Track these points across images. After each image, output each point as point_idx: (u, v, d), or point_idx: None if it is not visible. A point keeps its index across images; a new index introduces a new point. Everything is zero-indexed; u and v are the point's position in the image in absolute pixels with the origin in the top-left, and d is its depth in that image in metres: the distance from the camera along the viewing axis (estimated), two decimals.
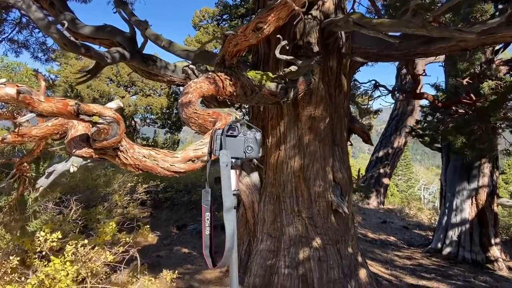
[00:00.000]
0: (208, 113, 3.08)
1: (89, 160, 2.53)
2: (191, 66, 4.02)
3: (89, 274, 4.40)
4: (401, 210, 17.96)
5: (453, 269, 9.73)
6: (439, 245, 11.06)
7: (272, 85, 4.99)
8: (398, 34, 7.55)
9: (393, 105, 17.84)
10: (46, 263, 4.08)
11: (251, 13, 14.99)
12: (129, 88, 25.30)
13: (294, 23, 5.95)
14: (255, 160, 1.97)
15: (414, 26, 4.96)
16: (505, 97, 7.44)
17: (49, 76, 22.00)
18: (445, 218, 11.17)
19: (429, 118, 11.26)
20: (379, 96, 10.93)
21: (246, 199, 6.60)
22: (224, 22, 19.25)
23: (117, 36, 5.10)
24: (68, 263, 3.99)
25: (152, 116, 24.83)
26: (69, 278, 3.98)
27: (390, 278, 8.47)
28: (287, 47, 5.52)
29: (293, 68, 5.27)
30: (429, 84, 8.89)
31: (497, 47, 10.11)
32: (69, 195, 7.80)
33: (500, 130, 7.99)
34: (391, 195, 27.40)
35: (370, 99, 11.46)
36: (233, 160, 1.85)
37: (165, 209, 11.23)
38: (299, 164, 6.06)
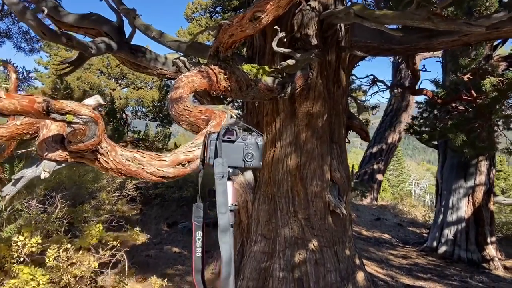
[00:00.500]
0: (201, 111, 2.79)
1: (63, 164, 2.23)
2: (182, 58, 3.71)
3: (72, 280, 4.10)
4: (395, 207, 17.82)
5: (449, 268, 9.57)
6: (435, 244, 10.90)
7: (268, 80, 4.70)
8: (397, 27, 7.29)
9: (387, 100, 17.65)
10: (23, 268, 3.77)
11: (244, 6, 14.66)
12: (120, 81, 24.86)
13: (292, 14, 5.66)
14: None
15: (420, 18, 4.70)
16: (506, 94, 7.22)
17: (37, 67, 21.47)
18: (441, 216, 11.01)
19: (425, 114, 11.05)
20: (376, 92, 10.68)
21: (239, 199, 6.32)
22: (217, 15, 18.90)
23: (104, 25, 4.76)
24: (38, 272, 3.68)
25: (143, 109, 24.42)
26: None
27: (386, 279, 8.27)
28: (285, 40, 5.23)
29: (290, 61, 4.98)
30: (428, 80, 8.66)
31: (495, 43, 9.92)
32: (54, 192, 7.46)
33: (500, 128, 7.78)
34: (382, 190, 27.33)
35: (363, 94, 11.22)
36: (230, 170, 1.57)
37: (155, 206, 10.92)
38: (295, 163, 5.79)
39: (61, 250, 4.13)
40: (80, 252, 4.43)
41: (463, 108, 7.98)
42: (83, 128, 2.01)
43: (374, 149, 17.94)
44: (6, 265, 4.36)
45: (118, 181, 9.98)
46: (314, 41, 5.63)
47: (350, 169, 12.93)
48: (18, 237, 4.04)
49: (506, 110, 7.35)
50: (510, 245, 11.99)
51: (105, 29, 4.76)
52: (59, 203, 7.08)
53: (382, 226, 13.51)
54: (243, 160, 1.58)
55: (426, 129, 9.40)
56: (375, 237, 12.07)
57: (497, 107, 7.12)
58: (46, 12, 3.77)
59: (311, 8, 5.68)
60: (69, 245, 4.35)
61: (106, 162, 2.29)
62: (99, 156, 2.26)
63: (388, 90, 14.27)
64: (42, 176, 2.13)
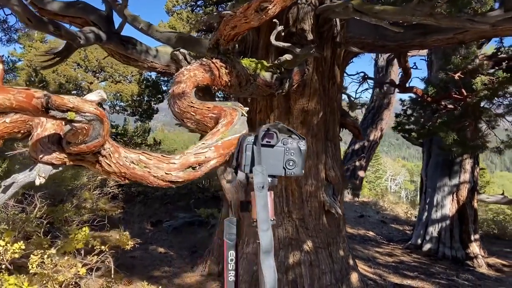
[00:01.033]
0: (208, 108, 2.56)
1: (60, 168, 1.97)
2: (182, 50, 3.47)
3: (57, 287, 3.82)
4: (376, 203, 17.92)
5: (434, 266, 9.61)
6: (419, 241, 10.95)
7: (267, 75, 4.50)
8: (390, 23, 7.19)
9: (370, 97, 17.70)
10: (8, 279, 3.46)
11: (226, 0, 14.39)
12: (97, 74, 24.17)
13: (287, 7, 5.45)
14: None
15: (421, 14, 4.57)
16: (497, 92, 7.22)
17: (9, 59, 20.63)
18: (425, 214, 11.05)
19: (409, 111, 11.07)
20: (366, 89, 10.64)
21: (231, 198, 6.10)
22: (198, 8, 18.55)
23: (91, 14, 4.44)
24: (25, 284, 3.38)
25: (122, 103, 23.82)
26: None
27: (375, 278, 8.22)
28: (282, 34, 5.03)
29: (288, 56, 4.79)
30: (418, 77, 8.63)
31: (480, 42, 9.97)
32: (32, 190, 7.07)
33: (489, 127, 7.80)
34: None
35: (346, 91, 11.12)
36: (270, 179, 1.37)
37: (138, 204, 10.57)
38: None
39: (45, 256, 3.84)
40: (66, 258, 4.14)
41: (452, 106, 7.97)
42: (86, 127, 1.76)
43: (356, 146, 17.95)
44: None
45: (99, 178, 9.61)
46: (310, 36, 5.46)
47: None
48: None
49: (496, 109, 7.35)
50: (491, 242, 12.19)
51: (93, 18, 4.44)
52: (38, 202, 6.71)
53: (366, 223, 13.53)
54: (284, 168, 1.38)
55: (413, 127, 9.38)
56: (360, 235, 12.06)
57: (488, 106, 7.11)
58: None
59: (307, 1, 5.50)
60: (54, 250, 4.05)
61: (109, 165, 2.05)
62: (101, 158, 2.01)
63: (373, 87, 14.29)
64: (37, 182, 1.86)
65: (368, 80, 9.69)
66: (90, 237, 4.68)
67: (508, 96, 7.20)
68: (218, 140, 2.29)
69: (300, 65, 5.15)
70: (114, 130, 22.60)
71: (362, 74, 9.29)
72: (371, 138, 17.78)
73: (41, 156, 1.90)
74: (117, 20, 4.90)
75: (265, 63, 4.49)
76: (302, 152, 1.37)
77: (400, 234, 12.89)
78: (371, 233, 12.48)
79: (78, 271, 4.00)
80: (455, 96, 7.67)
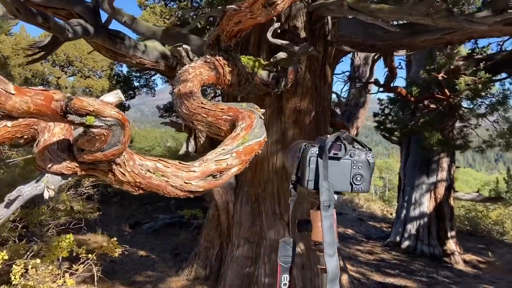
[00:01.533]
0: (222, 109, 2.37)
1: (69, 178, 1.75)
2: (185, 46, 3.26)
3: None
4: (352, 200, 18.09)
5: (414, 263, 9.73)
6: (398, 239, 11.07)
7: (264, 74, 4.33)
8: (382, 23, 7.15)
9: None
10: None
11: None
12: (66, 68, 23.31)
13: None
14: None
15: (418, 14, 4.52)
16: (478, 93, 7.33)
17: None
18: (404, 211, 11.19)
19: (387, 111, 11.17)
20: (352, 88, 10.64)
21: (219, 199, 5.92)
22: (172, 3, 18.13)
23: (76, 5, 4.14)
24: None
25: None
26: None
27: (358, 276, 8.23)
28: (279, 31, 4.89)
29: (283, 54, 4.65)
30: (402, 77, 8.68)
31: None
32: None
33: (472, 127, 7.93)
34: None
35: None
36: (336, 196, 1.22)
37: (115, 205, 10.18)
38: (281, 162, 5.48)
39: (29, 266, 3.54)
40: (50, 267, 3.85)
41: (435, 106, 8.05)
42: (106, 133, 1.56)
43: None
44: None
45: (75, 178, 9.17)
46: (303, 34, 5.33)
47: None
48: None
49: (477, 109, 7.47)
50: (465, 239, 12.48)
51: (78, 10, 4.14)
52: None
53: (344, 221, 13.60)
54: (351, 183, 1.22)
55: (395, 126, 9.44)
56: (340, 233, 12.10)
57: (470, 106, 7.21)
58: None
59: None
60: (38, 260, 3.75)
61: (123, 174, 1.84)
62: (114, 167, 1.80)
63: (349, 86, 14.33)
64: (46, 196, 1.64)
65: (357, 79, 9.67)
66: (74, 244, 4.38)
67: (490, 96, 7.32)
68: (239, 145, 2.12)
69: (294, 63, 5.02)
70: None
71: (347, 74, 9.28)
72: None
73: (49, 165, 1.68)
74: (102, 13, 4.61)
75: (262, 61, 4.32)
76: (371, 165, 1.22)
77: (378, 232, 13.02)
78: (350, 231, 12.55)
79: (65, 282, 3.73)
80: (438, 96, 7.73)
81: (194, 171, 1.96)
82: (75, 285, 5.34)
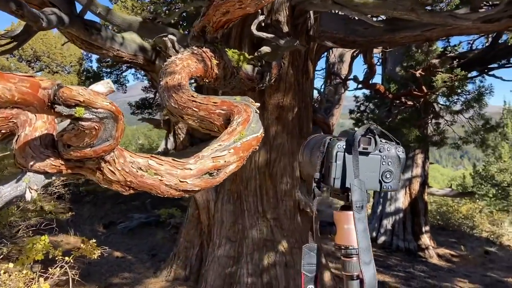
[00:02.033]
0: (215, 103, 2.23)
1: (54, 178, 1.58)
2: (171, 37, 3.08)
3: None
4: (327, 197, 18.18)
5: (390, 258, 9.84)
6: (374, 234, 11.17)
7: (248, 68, 4.20)
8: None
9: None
10: None
11: None
12: (32, 64, 22.42)
13: None
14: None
15: (403, 9, 4.49)
16: (455, 90, 7.44)
17: None
18: (380, 207, 11.32)
19: (362, 108, 11.25)
20: (330, 85, 10.64)
21: (200, 198, 5.76)
22: None
23: None
24: None
25: None
26: None
27: (337, 273, 8.22)
28: (263, 24, 4.76)
29: (267, 48, 4.53)
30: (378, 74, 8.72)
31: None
32: None
33: (448, 123, 8.05)
34: None
35: None
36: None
37: (87, 204, 9.82)
38: (264, 159, 5.37)
39: (1, 271, 3.30)
40: (25, 272, 3.60)
41: (412, 103, 8.13)
42: (97, 127, 1.40)
43: None
44: None
45: None
46: (285, 28, 5.21)
47: None
48: None
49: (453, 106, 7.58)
50: (437, 233, 12.74)
51: None
52: None
53: (321, 217, 13.61)
54: (380, 181, 1.11)
55: (371, 123, 9.47)
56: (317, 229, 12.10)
57: (446, 103, 7.31)
58: None
59: None
60: (11, 265, 3.50)
61: (112, 172, 1.68)
62: (103, 164, 1.64)
63: (324, 83, 14.36)
64: (28, 197, 1.47)
65: (333, 76, 9.67)
66: (50, 247, 4.13)
67: (465, 93, 7.44)
68: (236, 141, 1.98)
69: (278, 58, 4.91)
70: None
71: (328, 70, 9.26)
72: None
73: (31, 163, 1.50)
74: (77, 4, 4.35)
75: (246, 55, 4.18)
76: (401, 160, 1.11)
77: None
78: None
79: (40, 287, 3.49)
80: (415, 93, 7.80)
81: (190, 169, 1.82)
82: None
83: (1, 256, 4.85)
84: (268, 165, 5.34)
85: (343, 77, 9.33)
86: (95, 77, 23.68)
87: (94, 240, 4.73)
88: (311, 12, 5.64)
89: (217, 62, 3.19)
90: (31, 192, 1.47)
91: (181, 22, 10.04)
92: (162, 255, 7.27)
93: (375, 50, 13.10)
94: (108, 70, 16.42)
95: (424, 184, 11.11)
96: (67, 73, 22.72)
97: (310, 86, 5.88)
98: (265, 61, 4.48)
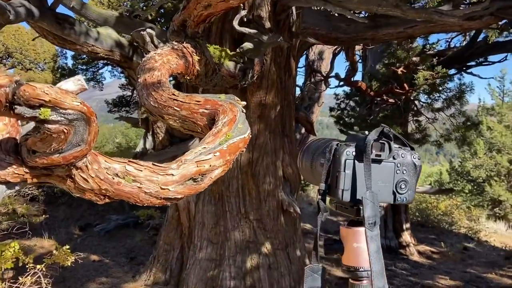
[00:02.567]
0: (198, 102, 2.07)
1: (17, 187, 1.40)
2: (149, 31, 2.90)
3: None
4: (307, 195, 18.18)
5: None
6: None
7: (230, 65, 4.05)
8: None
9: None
10: None
11: None
12: (4, 60, 21.67)
13: None
14: None
15: (387, 5, 4.41)
16: (436, 87, 7.45)
17: None
18: None
19: (342, 105, 11.23)
20: (311, 82, 10.56)
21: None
22: None
23: None
24: None
25: None
26: None
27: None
28: (245, 19, 4.61)
29: (249, 45, 4.40)
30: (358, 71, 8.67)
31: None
32: None
33: (430, 120, 8.07)
34: None
35: None
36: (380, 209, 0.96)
37: (62, 206, 9.46)
38: (247, 158, 5.22)
39: None
40: None
41: (393, 101, 8.12)
42: (66, 130, 1.23)
43: None
44: None
45: None
46: (268, 24, 5.07)
47: None
48: None
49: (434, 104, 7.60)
50: (417, 230, 12.86)
51: None
52: None
53: (302, 216, 13.57)
54: (394, 192, 0.97)
55: (354, 121, 9.47)
56: None
57: (427, 101, 7.31)
58: None
59: None
60: None
61: (85, 180, 1.50)
62: (74, 172, 1.46)
63: (304, 80, 14.31)
64: None
65: (313, 74, 9.58)
66: (20, 253, 3.88)
67: (447, 91, 7.47)
68: (222, 143, 1.83)
69: (260, 55, 4.77)
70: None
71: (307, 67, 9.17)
72: (303, 131, 17.98)
73: None
74: None
75: (228, 51, 4.03)
76: (418, 169, 0.98)
77: (335, 226, 13.08)
78: (308, 226, 12.54)
79: None
80: (397, 90, 7.79)
81: (172, 175, 1.65)
82: None
83: None
84: (250, 164, 5.20)
85: (324, 75, 9.23)
86: (71, 74, 23.07)
87: (67, 247, 4.49)
88: (293, 8, 5.52)
89: (199, 58, 3.03)
90: None
91: (159, 19, 9.81)
92: (141, 258, 7.05)
93: (356, 48, 13.12)
94: (84, 67, 15.98)
95: None
96: (41, 70, 22.06)
97: (292, 84, 5.77)
98: (248, 58, 4.34)
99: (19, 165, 1.34)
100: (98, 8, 5.12)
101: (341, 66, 11.29)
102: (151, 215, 8.54)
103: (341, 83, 8.47)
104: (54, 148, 1.27)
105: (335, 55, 8.78)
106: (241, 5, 3.88)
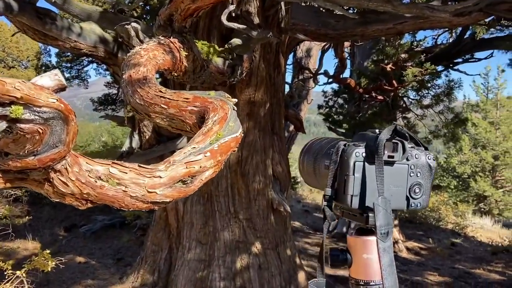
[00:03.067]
0: (186, 99, 1.97)
1: None
2: (134, 25, 2.78)
3: None
4: (296, 192, 18.17)
5: None
6: (345, 229, 11.15)
7: (219, 61, 3.94)
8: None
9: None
10: None
11: None
12: None
13: None
14: None
15: (378, 0, 4.35)
16: (424, 84, 7.45)
17: None
18: None
19: (331, 103, 11.21)
20: (300, 80, 10.50)
21: None
22: None
23: None
24: None
25: None
26: None
27: (309, 270, 8.10)
28: (233, 14, 4.50)
29: (238, 40, 4.29)
30: (350, 69, 8.63)
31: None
32: None
33: (418, 117, 8.07)
34: None
35: None
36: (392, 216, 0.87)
37: (47, 206, 9.23)
38: (236, 157, 5.12)
39: None
40: None
41: (382, 98, 8.10)
42: (41, 130, 1.12)
43: None
44: None
45: None
46: (256, 20, 4.98)
47: None
48: None
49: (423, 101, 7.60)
50: (405, 226, 12.92)
51: None
52: None
53: (292, 214, 13.54)
54: (408, 197, 0.88)
55: (341, 118, 9.44)
56: None
57: (416, 98, 7.30)
58: None
59: None
60: None
61: (65, 184, 1.39)
62: (53, 175, 1.35)
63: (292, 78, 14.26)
64: None
65: (302, 71, 9.52)
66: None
67: (435, 87, 7.47)
68: (213, 142, 1.72)
69: (249, 51, 4.67)
70: None
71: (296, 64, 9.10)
72: (291, 128, 17.93)
73: None
74: None
75: (217, 47, 3.92)
76: (433, 170, 0.89)
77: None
78: (297, 224, 12.50)
79: None
80: (385, 87, 7.76)
81: (160, 177, 1.54)
82: None
83: None
84: (239, 163, 5.11)
85: (313, 72, 9.17)
86: None
87: (48, 251, 4.34)
88: (282, 3, 5.44)
89: (186, 54, 2.91)
90: None
91: (144, 16, 9.64)
92: (128, 259, 6.91)
93: (344, 44, 13.09)
94: (69, 64, 15.69)
95: None
96: (24, 68, 21.66)
97: (281, 81, 5.69)
98: (236, 54, 4.23)
99: None
100: (81, 3, 4.96)
101: (330, 63, 11.26)
102: (138, 215, 8.38)
103: (330, 80, 8.39)
104: (28, 150, 1.15)
105: (323, 52, 8.71)
106: (229, 0, 3.76)
